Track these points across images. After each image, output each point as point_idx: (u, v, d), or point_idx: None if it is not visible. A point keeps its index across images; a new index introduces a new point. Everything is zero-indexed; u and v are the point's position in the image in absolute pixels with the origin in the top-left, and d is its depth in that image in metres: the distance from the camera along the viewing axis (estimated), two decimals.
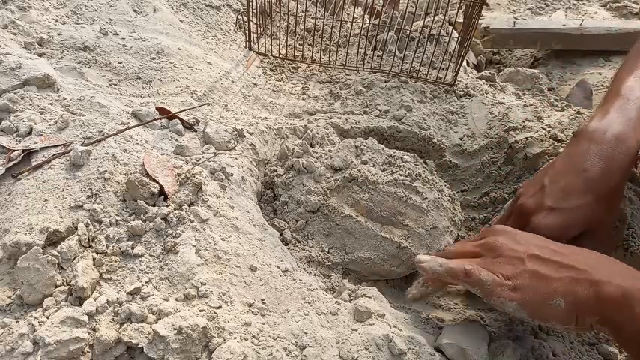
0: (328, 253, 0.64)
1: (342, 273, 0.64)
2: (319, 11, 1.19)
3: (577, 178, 0.58)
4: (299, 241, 0.66)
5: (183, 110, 0.73)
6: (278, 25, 1.10)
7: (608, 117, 0.61)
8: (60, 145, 0.60)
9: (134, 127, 0.65)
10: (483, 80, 1.04)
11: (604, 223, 0.60)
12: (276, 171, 0.72)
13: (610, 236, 0.65)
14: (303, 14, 1.09)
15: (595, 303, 0.43)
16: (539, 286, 0.45)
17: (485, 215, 0.79)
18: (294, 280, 0.54)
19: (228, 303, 0.49)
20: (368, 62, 0.99)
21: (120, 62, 0.80)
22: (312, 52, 1.05)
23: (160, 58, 0.83)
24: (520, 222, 0.59)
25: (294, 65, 1.02)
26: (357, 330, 0.49)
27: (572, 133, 0.65)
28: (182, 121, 0.70)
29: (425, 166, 0.72)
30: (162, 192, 0.57)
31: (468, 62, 1.23)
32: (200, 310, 0.46)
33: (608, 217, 0.61)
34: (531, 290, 0.46)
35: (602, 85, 1.22)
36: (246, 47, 1.03)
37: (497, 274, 0.48)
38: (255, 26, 1.04)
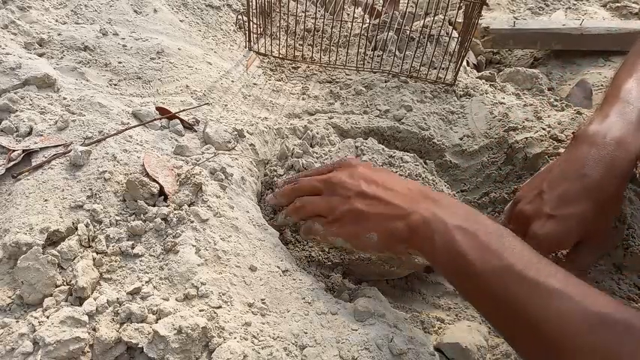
0: (328, 253, 0.64)
1: (342, 273, 0.64)
2: (319, 11, 1.19)
3: (576, 184, 0.58)
4: (299, 241, 0.66)
5: (183, 110, 0.73)
6: (278, 25, 1.10)
7: (608, 120, 0.61)
8: (60, 145, 0.60)
9: (134, 127, 0.65)
10: (483, 80, 1.04)
11: (602, 229, 0.60)
12: (276, 171, 0.72)
13: (607, 240, 0.65)
14: (303, 14, 1.09)
15: (405, 234, 0.49)
16: (357, 223, 0.52)
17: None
18: (294, 280, 0.54)
19: (228, 303, 0.49)
20: (368, 62, 0.99)
21: (120, 62, 0.80)
22: (312, 52, 1.05)
23: (160, 58, 0.83)
24: (520, 228, 0.59)
25: (294, 65, 1.02)
26: (357, 330, 0.49)
27: (572, 133, 0.65)
28: (182, 121, 0.70)
29: (425, 166, 0.72)
30: (162, 192, 0.57)
31: (468, 62, 1.23)
32: (200, 310, 0.46)
33: (607, 223, 0.61)
34: (351, 227, 0.53)
35: (602, 85, 1.22)
36: (246, 47, 1.03)
37: (328, 215, 0.55)
38: (255, 26, 1.04)
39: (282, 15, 1.10)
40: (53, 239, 0.50)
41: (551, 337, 0.38)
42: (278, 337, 0.47)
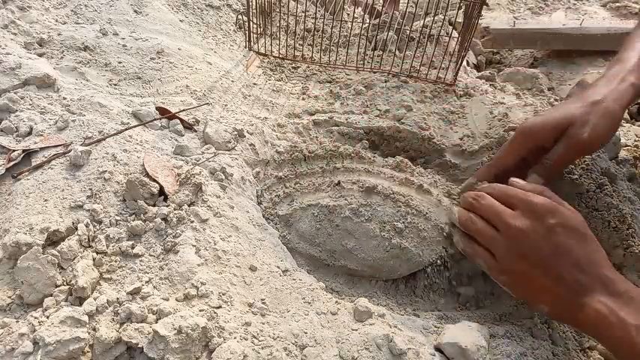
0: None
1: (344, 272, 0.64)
2: (319, 11, 1.19)
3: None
4: None
5: (183, 110, 0.73)
6: (278, 25, 1.10)
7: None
8: (60, 145, 0.60)
9: (134, 127, 0.65)
10: (483, 80, 1.03)
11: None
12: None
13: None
14: (303, 14, 1.09)
15: (577, 322, 0.50)
16: (530, 289, 0.52)
17: None
18: (294, 280, 0.54)
19: (228, 303, 0.49)
20: (368, 62, 0.99)
21: (120, 62, 0.80)
22: (312, 52, 1.05)
23: (159, 58, 0.83)
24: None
25: (294, 65, 1.02)
26: (357, 330, 0.49)
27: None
28: (182, 121, 0.70)
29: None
30: (162, 192, 0.57)
31: (468, 62, 1.23)
32: (200, 310, 0.46)
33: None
34: (523, 289, 0.53)
35: None
36: (246, 47, 1.03)
37: (500, 261, 0.53)
38: (255, 26, 1.04)
39: (282, 15, 1.10)
40: (53, 239, 0.50)
41: None
42: (278, 337, 0.47)
